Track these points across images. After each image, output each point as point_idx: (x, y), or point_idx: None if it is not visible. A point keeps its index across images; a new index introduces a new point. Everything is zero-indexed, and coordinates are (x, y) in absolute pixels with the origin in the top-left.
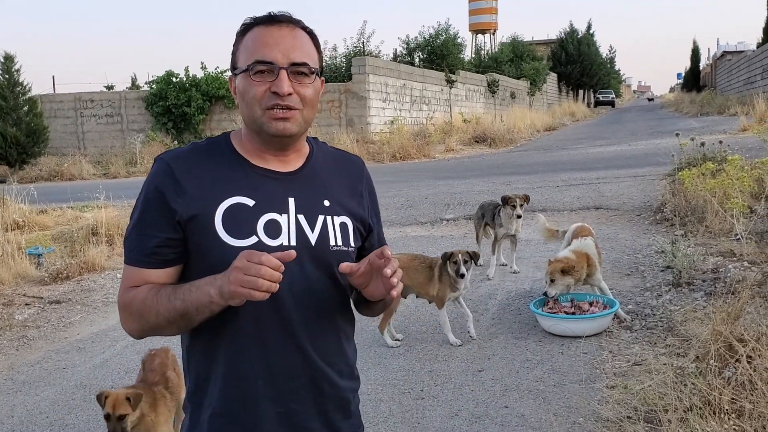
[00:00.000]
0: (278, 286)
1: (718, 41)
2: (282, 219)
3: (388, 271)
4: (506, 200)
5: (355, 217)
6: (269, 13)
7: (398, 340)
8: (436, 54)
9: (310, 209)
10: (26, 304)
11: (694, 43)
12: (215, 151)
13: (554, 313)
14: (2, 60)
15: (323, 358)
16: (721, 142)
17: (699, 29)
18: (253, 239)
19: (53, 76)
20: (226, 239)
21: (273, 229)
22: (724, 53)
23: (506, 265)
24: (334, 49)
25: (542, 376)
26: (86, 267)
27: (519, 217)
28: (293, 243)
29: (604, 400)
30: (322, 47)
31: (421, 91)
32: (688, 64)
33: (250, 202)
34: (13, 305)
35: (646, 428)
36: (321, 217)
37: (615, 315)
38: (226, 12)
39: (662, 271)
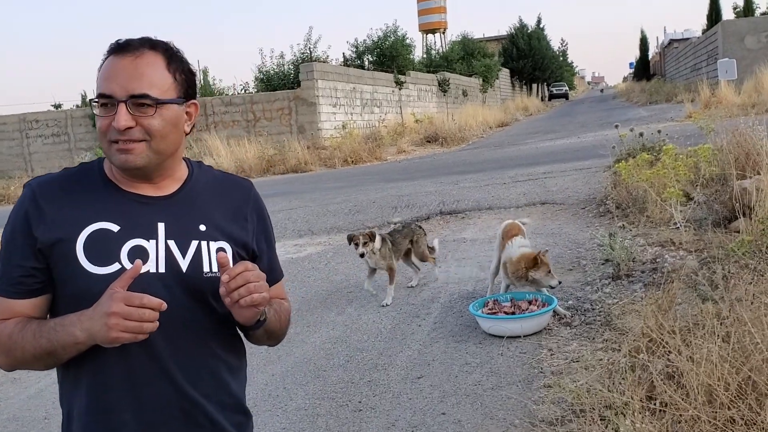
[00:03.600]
0: (158, 323)
1: (665, 29)
2: (149, 245)
3: (225, 276)
4: (350, 239)
5: (235, 242)
6: (120, 40)
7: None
8: (386, 56)
9: (183, 234)
10: None
11: (642, 32)
12: (85, 177)
13: (494, 313)
14: None
15: (198, 390)
16: (659, 131)
17: (647, 18)
18: (115, 266)
19: None
20: (87, 267)
21: (139, 255)
22: (671, 41)
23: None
24: (281, 56)
25: (481, 379)
26: None
27: (362, 256)
28: (162, 270)
29: (541, 400)
30: (261, 54)
31: (371, 93)
32: (638, 53)
33: (115, 228)
34: None
35: (579, 427)
36: (195, 243)
37: (554, 312)
38: (173, 26)
39: (603, 264)
